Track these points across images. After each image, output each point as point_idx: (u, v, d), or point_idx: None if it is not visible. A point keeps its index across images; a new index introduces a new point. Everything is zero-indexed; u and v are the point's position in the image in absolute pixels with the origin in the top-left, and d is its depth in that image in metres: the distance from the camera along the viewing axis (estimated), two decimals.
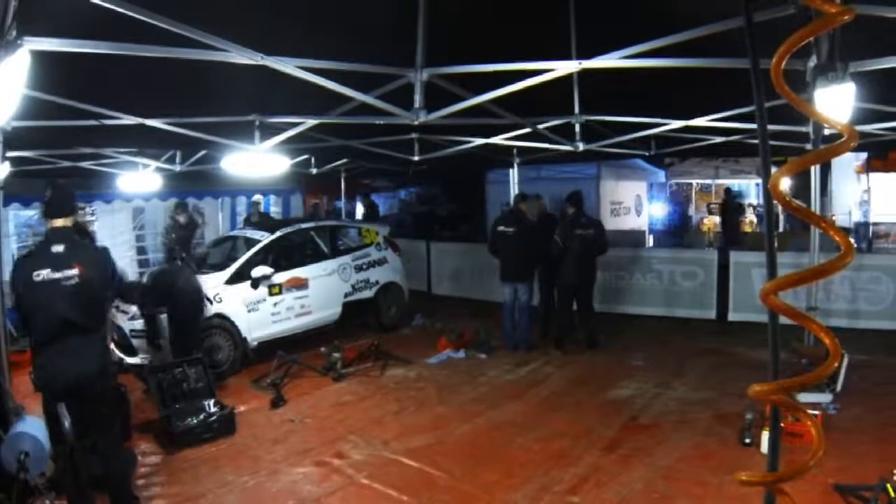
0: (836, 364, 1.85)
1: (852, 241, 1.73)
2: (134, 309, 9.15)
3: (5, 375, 5.90)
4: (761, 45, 2.07)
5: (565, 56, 5.32)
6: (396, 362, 10.02)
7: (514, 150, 12.47)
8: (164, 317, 8.70)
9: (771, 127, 7.75)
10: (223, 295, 9.72)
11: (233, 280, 9.95)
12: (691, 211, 27.35)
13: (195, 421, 7.20)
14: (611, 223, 21.79)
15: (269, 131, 8.14)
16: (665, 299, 13.00)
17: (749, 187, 26.89)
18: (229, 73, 5.34)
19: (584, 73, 5.75)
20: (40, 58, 4.04)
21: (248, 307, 9.99)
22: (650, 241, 21.94)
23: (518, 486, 5.96)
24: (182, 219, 14.54)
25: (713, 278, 12.49)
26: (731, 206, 19.50)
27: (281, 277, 10.49)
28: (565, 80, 6.20)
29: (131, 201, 15.15)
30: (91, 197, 14.27)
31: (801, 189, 9.70)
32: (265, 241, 10.65)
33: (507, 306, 10.75)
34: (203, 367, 7.92)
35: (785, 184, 1.87)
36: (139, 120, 7.15)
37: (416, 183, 28.10)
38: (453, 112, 6.31)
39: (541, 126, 8.43)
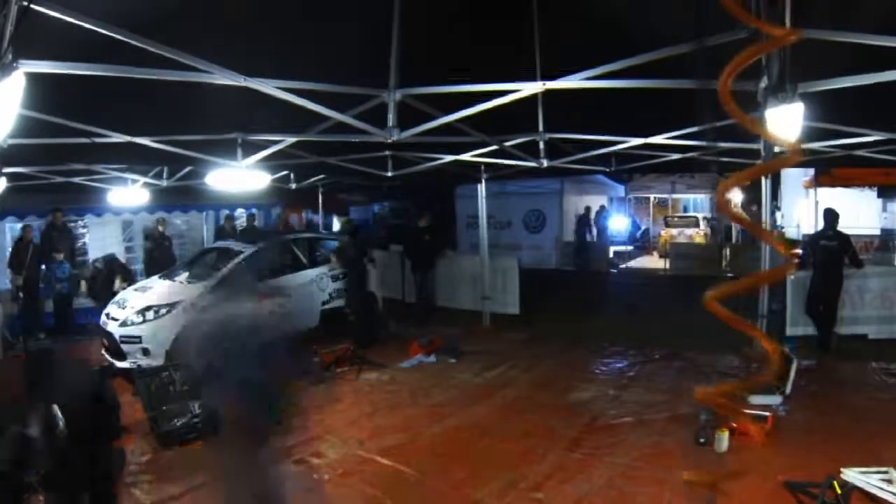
0: (776, 368, 1.85)
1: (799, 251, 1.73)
2: (124, 315, 9.04)
3: None
4: (715, 68, 2.06)
5: (530, 78, 5.34)
6: (371, 366, 9.92)
7: (482, 167, 12.45)
8: None
9: (724, 144, 7.89)
10: None
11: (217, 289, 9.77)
12: (649, 223, 27.65)
13: (180, 422, 7.09)
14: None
15: (250, 149, 8.12)
16: None
17: (703, 201, 27.25)
18: (214, 94, 5.30)
19: (548, 94, 5.78)
20: (35, 79, 3.99)
21: None
22: (610, 252, 22.08)
23: (485, 484, 5.92)
24: None
25: None
26: None
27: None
28: (530, 101, 6.22)
29: (120, 215, 14.97)
30: (82, 210, 14.22)
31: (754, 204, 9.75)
32: (247, 253, 10.54)
33: None
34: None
35: (735, 197, 1.86)
36: (128, 138, 7.09)
37: (389, 198, 28.18)
38: (425, 130, 6.34)
39: (507, 143, 8.45)
